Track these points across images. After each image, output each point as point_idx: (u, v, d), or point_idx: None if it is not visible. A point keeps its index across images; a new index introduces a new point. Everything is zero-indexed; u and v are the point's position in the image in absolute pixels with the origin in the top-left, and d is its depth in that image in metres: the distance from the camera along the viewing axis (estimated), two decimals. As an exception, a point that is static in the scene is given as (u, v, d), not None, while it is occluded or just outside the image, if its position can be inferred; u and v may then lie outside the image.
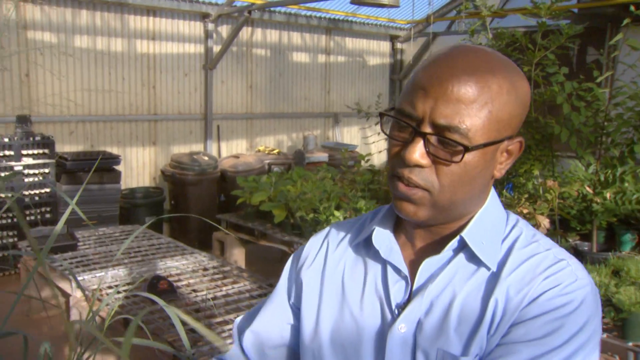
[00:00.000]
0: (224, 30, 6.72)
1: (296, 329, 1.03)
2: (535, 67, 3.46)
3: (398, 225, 0.94)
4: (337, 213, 2.20)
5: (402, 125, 0.82)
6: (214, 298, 3.31)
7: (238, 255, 5.08)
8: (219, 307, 3.16)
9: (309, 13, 7.29)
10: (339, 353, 0.93)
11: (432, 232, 0.90)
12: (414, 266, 0.90)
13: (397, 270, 0.90)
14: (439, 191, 0.81)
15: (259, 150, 6.93)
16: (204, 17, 6.50)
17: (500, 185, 3.74)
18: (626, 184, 3.24)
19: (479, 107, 0.78)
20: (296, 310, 1.03)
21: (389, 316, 0.89)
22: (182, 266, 3.80)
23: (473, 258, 0.85)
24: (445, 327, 0.83)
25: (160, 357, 2.98)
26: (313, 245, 1.04)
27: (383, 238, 0.93)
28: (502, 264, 0.84)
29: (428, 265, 0.87)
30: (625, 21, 2.99)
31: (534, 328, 0.78)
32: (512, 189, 3.71)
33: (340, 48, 8.08)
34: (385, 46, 8.66)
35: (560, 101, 3.10)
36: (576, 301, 0.78)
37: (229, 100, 6.94)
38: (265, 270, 4.56)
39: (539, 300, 0.79)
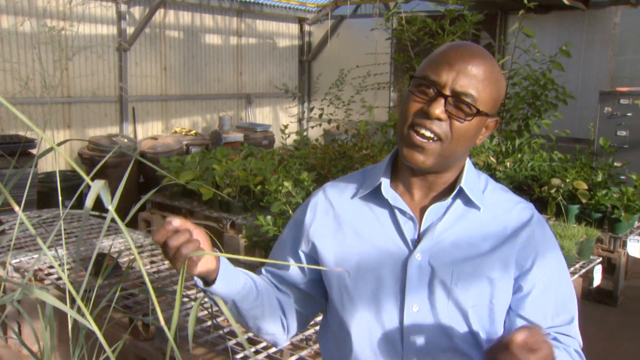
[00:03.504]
0: (137, 11, 6.67)
1: (304, 272, 1.25)
2: (444, 50, 3.86)
3: (394, 179, 1.18)
4: (286, 183, 2.46)
5: (426, 87, 1.06)
6: (158, 272, 3.46)
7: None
8: (164, 279, 3.32)
9: (221, -5, 7.38)
10: (362, 280, 1.14)
11: (428, 182, 1.14)
12: (414, 210, 1.15)
13: (403, 213, 1.14)
14: (449, 141, 1.06)
15: (175, 132, 6.98)
16: (116, -2, 6.42)
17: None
18: (523, 154, 3.73)
19: (485, 85, 1.06)
20: (310, 255, 1.23)
21: (405, 248, 1.12)
22: (119, 244, 3.88)
23: (468, 202, 1.13)
24: (455, 254, 1.10)
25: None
26: (316, 205, 1.24)
27: (387, 189, 1.16)
28: (490, 206, 1.15)
29: (435, 208, 1.13)
30: (521, 12, 3.44)
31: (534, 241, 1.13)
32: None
33: (251, 30, 8.23)
34: (294, 28, 8.90)
35: (468, 81, 3.52)
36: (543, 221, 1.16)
37: (143, 82, 6.91)
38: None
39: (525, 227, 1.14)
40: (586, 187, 3.84)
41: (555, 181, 3.77)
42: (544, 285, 1.13)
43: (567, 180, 3.83)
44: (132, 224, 5.39)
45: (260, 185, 3.11)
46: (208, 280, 1.06)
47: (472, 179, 1.15)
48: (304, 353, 2.49)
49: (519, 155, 3.73)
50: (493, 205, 1.15)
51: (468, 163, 1.16)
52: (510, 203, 1.17)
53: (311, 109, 4.86)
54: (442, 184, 1.14)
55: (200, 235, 1.01)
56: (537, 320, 1.13)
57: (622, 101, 5.73)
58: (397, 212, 1.14)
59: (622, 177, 4.21)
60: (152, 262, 3.59)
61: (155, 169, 5.54)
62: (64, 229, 4.27)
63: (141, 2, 6.66)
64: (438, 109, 1.04)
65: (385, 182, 1.16)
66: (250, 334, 2.39)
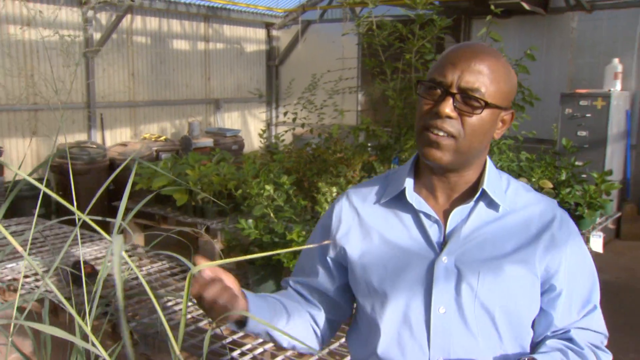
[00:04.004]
0: (103, 17, 6.61)
1: (333, 279, 1.27)
2: (415, 54, 3.97)
3: (417, 183, 1.20)
4: (267, 186, 2.50)
5: (433, 89, 1.10)
6: (136, 278, 3.45)
7: (138, 240, 5.16)
8: (142, 285, 3.29)
9: (188, 1, 7.36)
10: (390, 283, 1.15)
11: (450, 183, 1.16)
12: (438, 213, 1.16)
13: (428, 217, 1.15)
14: (463, 137, 1.08)
15: (144, 138, 6.94)
16: (82, 3, 6.34)
17: (387, 160, 4.23)
18: (492, 155, 3.85)
19: (491, 79, 1.08)
20: (338, 260, 1.25)
21: (431, 251, 1.14)
22: (95, 252, 3.86)
23: (491, 203, 1.15)
24: (480, 256, 1.12)
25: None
26: (340, 210, 1.27)
27: (411, 194, 1.18)
28: (513, 207, 1.16)
29: (459, 211, 1.15)
30: (488, 17, 3.56)
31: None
32: (398, 162, 4.21)
33: (219, 35, 8.23)
34: (261, 33, 8.94)
35: (439, 85, 3.62)
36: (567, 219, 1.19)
37: (111, 89, 6.85)
38: (169, 250, 4.70)
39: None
40: (551, 185, 3.99)
41: (523, 181, 3.91)
42: (572, 283, 1.16)
43: (534, 180, 3.97)
44: (104, 231, 5.31)
45: (240, 190, 3.15)
46: (240, 320, 1.10)
47: (494, 180, 1.17)
48: (288, 353, 2.54)
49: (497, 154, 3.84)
50: (515, 205, 1.17)
51: (489, 163, 1.18)
52: (532, 203, 1.18)
53: (285, 113, 4.91)
54: (464, 184, 1.17)
55: (230, 280, 1.04)
56: (567, 317, 1.16)
57: (581, 102, 5.95)
58: (422, 215, 1.16)
59: (584, 175, 4.38)
60: (129, 269, 3.57)
61: (125, 176, 5.53)
62: (40, 237, 4.21)
63: (107, 7, 6.61)
64: (447, 107, 1.07)
65: (409, 187, 1.18)
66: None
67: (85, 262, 3.37)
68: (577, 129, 5.98)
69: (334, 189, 2.67)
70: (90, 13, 6.41)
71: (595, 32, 6.52)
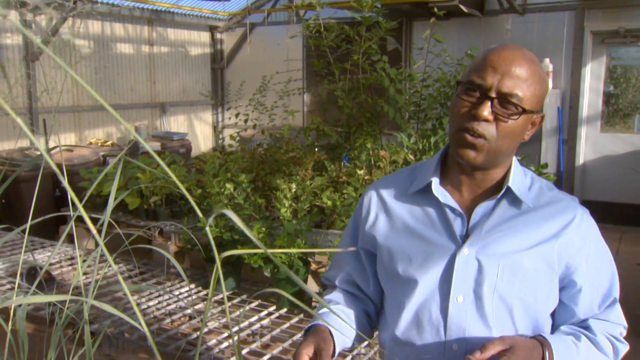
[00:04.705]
0: (43, 20, 6.47)
1: (367, 265, 1.34)
2: (362, 55, 4.11)
3: (443, 178, 1.24)
4: (228, 185, 2.57)
5: (472, 91, 1.12)
6: (95, 281, 3.41)
7: (89, 246, 5.09)
8: (103, 287, 3.31)
9: (131, 4, 7.29)
10: (413, 271, 1.21)
11: (477, 180, 1.20)
12: (463, 207, 1.21)
13: (452, 210, 1.20)
14: (495, 140, 1.11)
15: (90, 143, 6.83)
16: (21, 5, 6.18)
17: (337, 158, 4.36)
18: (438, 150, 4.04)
19: (529, 84, 1.11)
20: (368, 249, 1.33)
21: (453, 243, 1.19)
22: (47, 258, 3.81)
23: (515, 200, 1.19)
24: (501, 250, 1.16)
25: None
26: (369, 202, 1.32)
27: (437, 188, 1.22)
28: (536, 204, 1.20)
29: (483, 207, 1.19)
30: (432, 20, 3.75)
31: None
32: (348, 161, 4.35)
33: (163, 39, 8.18)
34: (205, 36, 8.93)
35: (387, 84, 3.78)
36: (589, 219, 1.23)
37: (54, 93, 6.70)
38: (123, 254, 4.68)
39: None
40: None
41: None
42: (593, 279, 1.20)
43: (477, 173, 4.19)
44: (54, 238, 5.24)
45: (200, 189, 3.21)
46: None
47: (519, 177, 1.21)
48: (253, 346, 2.62)
49: (436, 152, 4.01)
50: (538, 203, 1.20)
51: (515, 161, 1.22)
52: (555, 200, 1.21)
53: (237, 115, 4.97)
54: (490, 181, 1.21)
55: (326, 349, 1.14)
56: (588, 311, 1.21)
57: (517, 100, 6.27)
58: (446, 209, 1.21)
59: (523, 168, 4.65)
60: (85, 274, 3.56)
61: (72, 182, 5.48)
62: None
63: (48, 11, 6.46)
64: (485, 110, 1.10)
65: (435, 181, 1.22)
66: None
67: (40, 268, 3.33)
68: (514, 125, 6.29)
69: (293, 186, 2.77)
70: (29, 16, 6.26)
71: (527, 33, 6.89)
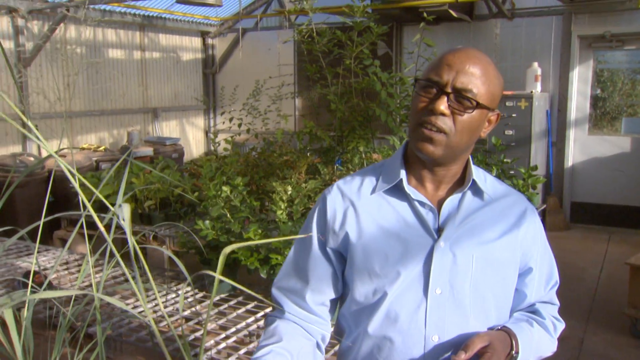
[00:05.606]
0: (35, 26, 6.48)
1: (332, 266, 1.31)
2: (354, 60, 4.17)
3: (407, 175, 1.28)
4: (224, 188, 2.61)
5: (429, 88, 1.19)
6: (91, 285, 3.45)
7: (83, 251, 5.11)
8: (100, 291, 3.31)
9: (123, 10, 7.32)
10: (391, 268, 1.22)
11: (438, 176, 1.25)
12: (431, 202, 1.25)
13: (423, 205, 1.24)
14: (453, 134, 1.17)
15: (83, 148, 6.84)
16: (11, 11, 6.20)
17: (330, 162, 4.40)
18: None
19: (483, 81, 1.18)
20: (337, 250, 1.30)
21: (429, 237, 1.23)
22: (43, 263, 3.83)
23: (476, 193, 1.27)
24: (473, 241, 1.23)
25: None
26: (334, 202, 1.31)
27: (407, 184, 1.26)
28: (494, 196, 1.29)
29: (451, 200, 1.25)
30: (422, 25, 3.81)
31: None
32: (341, 164, 4.40)
33: (155, 44, 8.21)
34: (197, 42, 8.97)
35: (379, 88, 3.84)
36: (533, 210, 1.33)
37: (46, 99, 6.71)
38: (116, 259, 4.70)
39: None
40: (484, 180, 4.28)
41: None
42: (541, 265, 1.32)
43: (468, 175, 4.24)
44: (48, 243, 5.24)
45: (197, 192, 3.25)
46: None
47: (476, 171, 1.29)
48: (242, 352, 2.65)
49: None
50: (495, 195, 1.29)
51: (469, 158, 1.29)
52: (507, 193, 1.32)
53: (230, 119, 5.01)
54: (451, 176, 1.27)
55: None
56: (537, 295, 1.32)
57: (507, 104, 6.36)
58: (417, 204, 1.25)
59: (512, 171, 4.72)
60: (86, 276, 3.57)
61: (65, 187, 5.44)
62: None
63: (40, 17, 6.49)
64: (442, 105, 1.16)
65: (404, 178, 1.26)
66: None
67: (35, 272, 3.35)
68: (504, 128, 6.39)
69: (289, 188, 2.82)
70: (21, 22, 6.28)
71: (515, 38, 6.99)
